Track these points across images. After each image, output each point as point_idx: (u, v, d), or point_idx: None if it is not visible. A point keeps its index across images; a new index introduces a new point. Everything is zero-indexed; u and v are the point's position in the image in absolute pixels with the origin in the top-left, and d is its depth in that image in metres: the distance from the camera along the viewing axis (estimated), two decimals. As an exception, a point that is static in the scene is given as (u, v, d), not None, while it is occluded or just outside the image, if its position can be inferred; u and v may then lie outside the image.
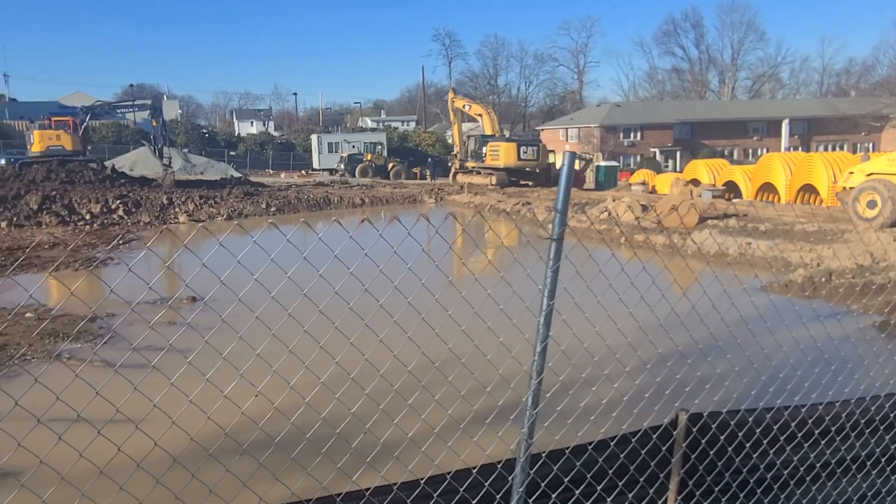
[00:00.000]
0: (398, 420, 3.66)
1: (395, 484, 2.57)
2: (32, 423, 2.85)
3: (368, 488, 2.54)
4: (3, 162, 37.91)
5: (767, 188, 29.85)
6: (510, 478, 2.78)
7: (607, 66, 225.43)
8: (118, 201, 27.50)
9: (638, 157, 61.38)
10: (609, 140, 63.23)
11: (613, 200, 25.56)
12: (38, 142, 33.01)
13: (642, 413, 3.89)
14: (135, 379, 3.02)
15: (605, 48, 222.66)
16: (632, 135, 64.86)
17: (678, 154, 62.29)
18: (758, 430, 3.30)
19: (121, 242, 21.53)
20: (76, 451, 2.98)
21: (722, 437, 3.20)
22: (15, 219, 24.64)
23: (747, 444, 3.29)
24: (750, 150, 66.21)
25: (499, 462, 2.67)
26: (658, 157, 62.04)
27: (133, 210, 27.33)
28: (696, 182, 31.65)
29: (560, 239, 2.50)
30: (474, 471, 2.62)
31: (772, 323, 5.61)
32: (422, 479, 2.60)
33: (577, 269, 3.13)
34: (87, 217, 26.04)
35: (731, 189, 31.69)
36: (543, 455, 2.76)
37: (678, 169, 56.28)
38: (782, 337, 5.09)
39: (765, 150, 58.91)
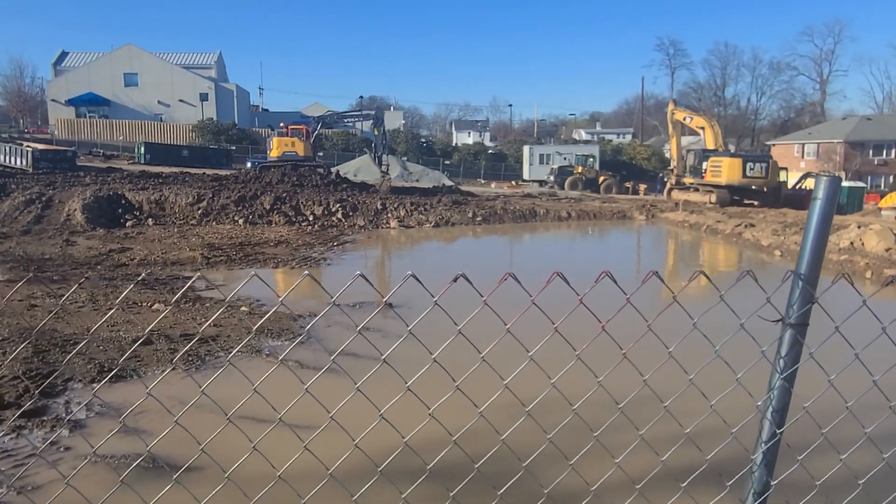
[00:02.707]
0: (575, 461, 2.89)
1: None
2: (215, 417, 2.55)
3: None
4: (248, 165, 42.35)
5: None
6: None
7: (857, 75, 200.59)
8: (338, 204, 29.29)
9: (891, 178, 53.68)
10: (855, 157, 56.08)
11: (859, 227, 22.22)
12: (275, 147, 36.45)
13: None
14: (320, 382, 2.66)
15: (855, 55, 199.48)
16: (884, 152, 57.02)
17: (943, 176, 53.52)
18: None
19: (335, 245, 22.75)
20: (251, 449, 2.64)
21: None
22: (250, 216, 27.17)
23: None
24: None
25: None
26: (917, 178, 53.74)
27: (350, 213, 28.94)
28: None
29: (803, 325, 1.59)
30: None
31: None
32: None
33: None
34: (310, 218, 27.99)
35: None
36: None
37: (942, 193, 48.29)
38: None
39: None
